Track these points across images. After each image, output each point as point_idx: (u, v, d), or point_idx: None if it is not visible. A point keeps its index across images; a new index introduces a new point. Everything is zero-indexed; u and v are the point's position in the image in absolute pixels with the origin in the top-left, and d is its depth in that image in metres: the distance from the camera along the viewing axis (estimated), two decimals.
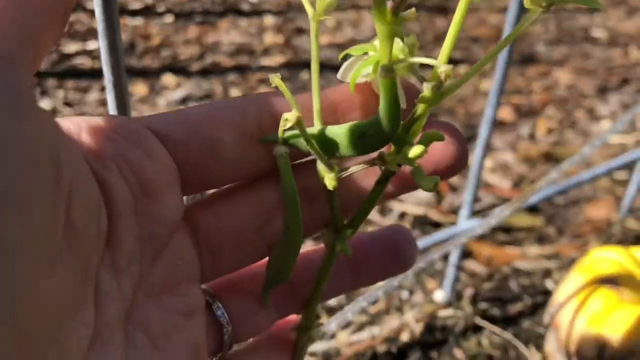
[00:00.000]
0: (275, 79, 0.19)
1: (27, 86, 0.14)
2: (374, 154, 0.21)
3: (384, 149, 0.21)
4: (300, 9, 1.57)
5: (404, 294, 0.70)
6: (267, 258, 0.24)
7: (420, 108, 0.20)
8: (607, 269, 0.50)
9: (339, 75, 0.22)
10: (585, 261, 0.53)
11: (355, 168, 0.22)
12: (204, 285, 0.23)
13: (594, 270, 0.51)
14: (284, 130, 0.21)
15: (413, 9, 0.18)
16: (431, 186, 0.20)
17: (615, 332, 0.46)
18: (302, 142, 0.21)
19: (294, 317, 0.27)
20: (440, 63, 0.18)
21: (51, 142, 0.15)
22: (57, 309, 0.15)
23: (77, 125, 0.18)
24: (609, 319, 0.47)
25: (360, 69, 0.21)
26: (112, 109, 0.32)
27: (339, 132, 0.21)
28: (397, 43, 0.19)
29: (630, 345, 0.46)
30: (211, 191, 0.23)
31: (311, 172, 0.22)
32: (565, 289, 0.51)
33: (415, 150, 0.20)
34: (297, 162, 0.23)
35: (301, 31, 1.48)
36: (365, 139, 0.20)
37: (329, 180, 0.21)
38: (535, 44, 1.57)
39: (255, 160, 0.22)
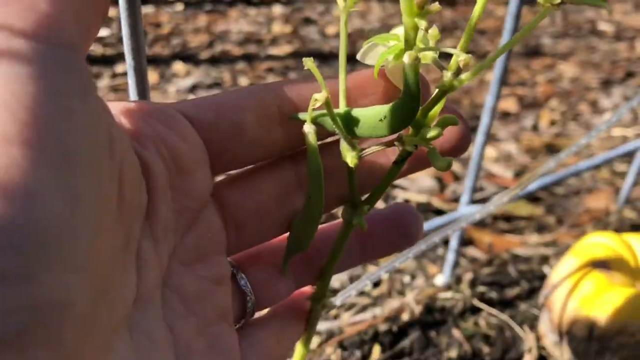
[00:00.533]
0: (309, 62, 0.21)
1: (88, 72, 0.16)
2: (394, 136, 0.23)
3: (402, 131, 0.23)
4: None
5: (406, 278, 0.73)
6: (286, 233, 0.26)
7: (438, 94, 0.22)
8: (599, 253, 0.52)
9: (358, 56, 0.24)
10: (579, 246, 0.55)
11: (376, 148, 0.24)
12: (229, 257, 0.25)
13: (587, 254, 0.53)
14: (313, 109, 0.23)
15: (437, 3, 0.20)
16: (445, 166, 0.22)
17: (605, 312, 0.49)
18: (328, 122, 0.23)
19: (308, 289, 0.29)
20: (460, 52, 0.21)
21: (106, 121, 0.17)
22: (109, 268, 0.17)
23: (116, 109, 0.21)
24: (599, 300, 0.49)
25: (385, 55, 0.22)
26: (132, 93, 0.34)
27: (363, 114, 0.23)
28: (421, 33, 0.21)
29: (619, 324, 0.48)
30: (236, 171, 0.25)
31: (334, 152, 0.24)
32: (559, 272, 0.53)
33: (432, 132, 0.21)
34: (321, 142, 0.25)
35: (309, 21, 1.50)
36: (387, 121, 0.22)
37: (351, 158, 0.23)
38: (541, 37, 1.58)
39: (275, 142, 0.24)
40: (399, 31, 0.22)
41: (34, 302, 0.13)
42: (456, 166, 1.00)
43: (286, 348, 0.28)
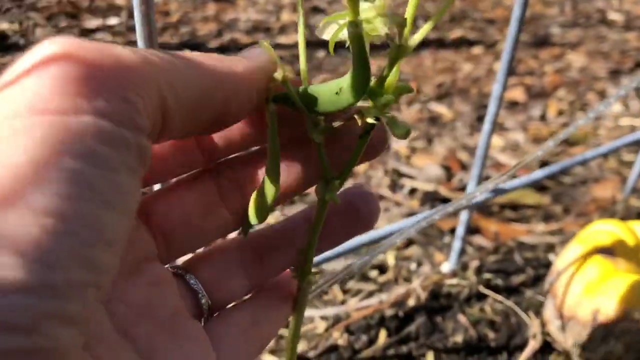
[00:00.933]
0: (264, 44, 0.22)
1: (148, 155, 0.18)
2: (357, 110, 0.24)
3: (362, 104, 0.23)
4: None
5: (412, 266, 0.74)
6: (233, 233, 0.28)
7: (389, 61, 0.22)
8: (604, 240, 0.53)
9: (316, 32, 0.25)
10: (584, 233, 0.56)
11: (338, 123, 0.24)
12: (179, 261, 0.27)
13: (592, 242, 0.53)
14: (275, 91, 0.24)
15: None
16: (404, 133, 0.22)
17: (609, 298, 0.49)
18: (290, 101, 0.23)
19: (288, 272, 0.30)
20: (396, 18, 0.21)
21: (136, 204, 0.19)
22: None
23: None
24: (604, 286, 0.50)
25: (338, 31, 0.23)
26: None
27: (320, 89, 0.23)
28: (365, 4, 0.21)
29: (623, 310, 0.49)
30: (159, 186, 0.27)
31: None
32: (565, 259, 0.54)
33: (385, 99, 0.22)
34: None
35: (317, 10, 1.50)
36: (343, 93, 0.22)
37: (315, 134, 0.24)
38: (550, 26, 1.57)
39: (195, 160, 0.26)
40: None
41: (31, 347, 0.14)
42: (463, 155, 1.01)
43: (269, 330, 0.28)
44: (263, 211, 0.26)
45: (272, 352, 0.60)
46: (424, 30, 0.22)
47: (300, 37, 0.24)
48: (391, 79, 0.23)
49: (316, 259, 0.42)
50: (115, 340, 0.21)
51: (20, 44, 1.23)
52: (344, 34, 0.23)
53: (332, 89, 0.23)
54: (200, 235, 0.26)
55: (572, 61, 1.39)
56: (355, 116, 0.24)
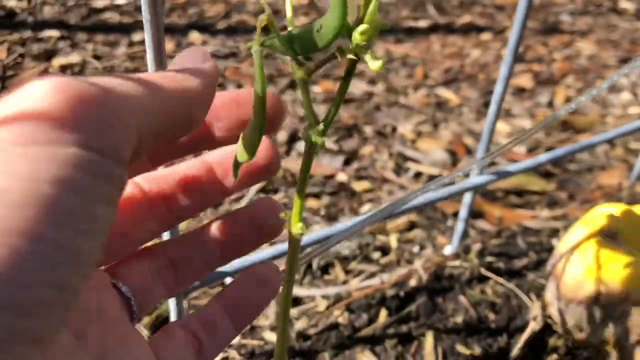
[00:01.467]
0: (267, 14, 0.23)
1: (123, 184, 0.19)
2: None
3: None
4: None
5: (415, 248, 0.74)
6: (153, 241, 0.30)
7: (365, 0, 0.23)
8: (607, 223, 0.53)
9: None
10: (587, 216, 0.56)
11: (321, 62, 0.25)
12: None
13: (595, 224, 0.53)
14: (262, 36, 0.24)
15: None
16: (379, 65, 0.23)
17: (610, 280, 0.49)
18: (276, 44, 0.24)
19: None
20: None
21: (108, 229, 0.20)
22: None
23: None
24: (605, 268, 0.50)
25: None
26: (150, 63, 0.35)
27: (302, 32, 0.24)
28: None
29: (623, 292, 0.49)
30: None
31: None
32: (567, 241, 0.54)
33: (360, 29, 0.23)
34: None
35: None
36: (321, 32, 0.23)
37: (300, 74, 0.25)
38: (560, 14, 1.55)
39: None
40: None
41: None
42: (469, 140, 1.00)
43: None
44: (252, 148, 0.27)
45: (273, 329, 0.61)
46: None
47: None
48: (368, 17, 0.23)
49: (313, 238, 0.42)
50: (70, 344, 0.22)
51: (29, 21, 1.23)
52: None
53: (314, 28, 0.24)
54: (132, 244, 0.28)
55: (582, 49, 1.37)
56: (337, 54, 0.24)
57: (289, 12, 0.25)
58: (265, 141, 0.29)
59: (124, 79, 0.20)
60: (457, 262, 0.66)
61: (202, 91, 0.23)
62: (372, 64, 0.23)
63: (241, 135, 0.27)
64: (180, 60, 0.25)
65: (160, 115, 0.21)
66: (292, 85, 1.14)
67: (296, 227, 0.29)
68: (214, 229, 0.30)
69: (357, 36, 0.23)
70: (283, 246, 0.52)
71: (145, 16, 0.33)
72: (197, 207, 0.30)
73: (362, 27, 0.23)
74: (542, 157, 0.63)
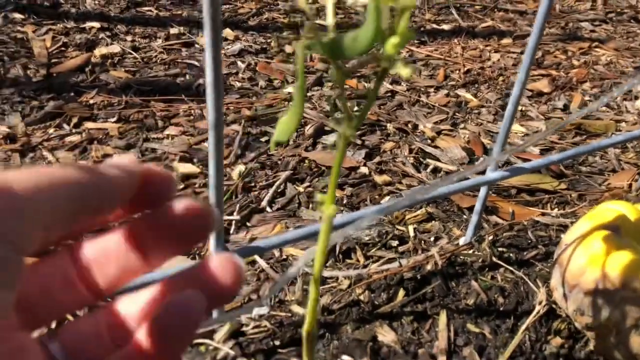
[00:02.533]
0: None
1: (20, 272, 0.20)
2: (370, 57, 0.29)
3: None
4: None
5: (431, 239, 0.79)
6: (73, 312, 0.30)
7: (399, 14, 0.27)
8: (611, 218, 0.58)
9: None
10: (593, 211, 0.60)
11: (355, 63, 0.30)
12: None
13: (600, 219, 0.58)
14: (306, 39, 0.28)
15: None
16: (409, 72, 0.27)
17: (611, 269, 0.54)
18: (317, 48, 0.28)
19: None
20: None
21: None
22: None
23: None
24: (607, 258, 0.55)
25: None
26: (208, 57, 0.41)
27: (341, 39, 0.28)
28: None
29: (623, 280, 0.54)
30: None
31: None
32: (573, 232, 0.59)
33: (392, 40, 0.28)
34: None
35: None
36: (358, 40, 0.27)
37: (338, 76, 0.29)
38: (581, 21, 1.59)
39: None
40: None
41: None
42: (486, 140, 1.05)
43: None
44: (287, 133, 0.31)
45: (299, 303, 0.66)
46: None
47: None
48: (401, 28, 0.28)
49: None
50: None
51: (72, 12, 1.30)
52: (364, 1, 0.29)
53: (350, 37, 0.28)
54: (61, 307, 0.28)
55: (600, 55, 1.41)
56: (371, 59, 0.29)
57: (329, 19, 0.31)
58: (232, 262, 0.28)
59: (32, 173, 0.21)
60: (470, 251, 0.71)
61: (114, 184, 0.24)
62: (403, 71, 0.28)
63: (281, 119, 0.32)
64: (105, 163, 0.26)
65: (69, 209, 0.22)
66: (319, 83, 1.20)
67: (329, 209, 0.35)
68: (152, 297, 0.29)
69: (389, 47, 0.28)
70: (311, 227, 0.57)
71: (206, 16, 0.39)
72: (123, 279, 0.29)
73: (395, 39, 0.28)
74: (554, 156, 0.68)
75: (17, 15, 1.25)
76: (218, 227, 0.53)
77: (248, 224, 0.83)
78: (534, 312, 0.61)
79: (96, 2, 1.36)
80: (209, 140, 0.46)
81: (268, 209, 0.86)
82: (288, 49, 1.30)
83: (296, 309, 0.65)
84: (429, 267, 0.68)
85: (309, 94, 1.17)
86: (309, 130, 1.05)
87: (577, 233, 0.58)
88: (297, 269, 0.42)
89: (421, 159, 0.98)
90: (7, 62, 1.11)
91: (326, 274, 0.72)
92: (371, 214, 0.46)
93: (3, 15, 1.23)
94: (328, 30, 0.30)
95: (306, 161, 0.97)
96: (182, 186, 0.88)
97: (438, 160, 0.98)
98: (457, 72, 1.29)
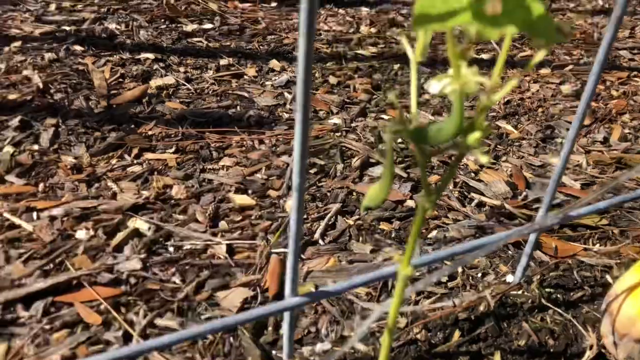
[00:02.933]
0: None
1: None
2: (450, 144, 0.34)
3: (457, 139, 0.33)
4: (395, 1, 1.68)
5: (479, 274, 0.83)
6: None
7: (479, 110, 0.32)
8: None
9: (428, 88, 0.35)
10: None
11: (436, 150, 0.35)
12: None
13: None
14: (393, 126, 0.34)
15: (472, 51, 0.30)
16: (487, 159, 0.32)
17: None
18: (404, 134, 0.34)
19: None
20: (489, 82, 0.31)
21: None
22: None
23: None
24: None
25: (444, 89, 0.34)
26: (299, 91, 0.44)
27: (427, 128, 0.33)
28: (464, 69, 0.31)
29: None
30: None
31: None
32: (623, 283, 0.62)
33: (474, 135, 0.32)
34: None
35: (394, 23, 1.58)
36: (443, 131, 0.32)
37: (421, 158, 0.34)
38: (619, 49, 1.61)
39: None
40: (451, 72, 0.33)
41: None
42: (528, 172, 1.08)
43: None
44: (377, 201, 0.37)
45: (361, 340, 0.71)
46: (505, 89, 0.31)
47: (412, 90, 0.35)
48: (479, 121, 0.33)
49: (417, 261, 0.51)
50: None
51: (127, 43, 1.37)
52: (447, 89, 0.33)
53: (436, 128, 0.33)
54: None
55: (639, 86, 1.43)
56: (452, 147, 0.33)
57: (413, 108, 0.35)
58: None
59: None
60: (520, 292, 0.75)
61: None
62: (482, 159, 0.33)
63: (371, 187, 0.37)
64: None
65: None
66: (363, 114, 1.24)
67: (406, 270, 0.39)
68: None
69: (472, 140, 0.33)
70: (377, 272, 0.62)
71: (300, 53, 0.42)
72: None
73: (477, 134, 0.33)
74: (601, 203, 0.71)
75: (78, 48, 1.32)
76: (293, 274, 0.57)
77: (303, 256, 0.88)
78: (585, 357, 0.64)
79: (149, 33, 1.42)
80: (292, 200, 0.50)
81: (321, 241, 0.90)
82: (332, 79, 1.34)
83: (359, 346, 0.69)
84: (481, 307, 0.72)
85: (352, 125, 1.22)
86: (355, 162, 1.09)
87: (626, 283, 0.62)
88: (372, 320, 0.47)
89: (465, 193, 1.02)
90: (70, 94, 1.18)
91: (380, 308, 0.76)
92: (447, 270, 0.51)
93: (65, 47, 1.31)
94: (412, 118, 0.36)
95: (354, 194, 1.01)
96: (239, 218, 0.93)
97: (482, 194, 1.02)
98: (498, 102, 1.32)
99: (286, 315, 0.60)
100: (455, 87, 0.31)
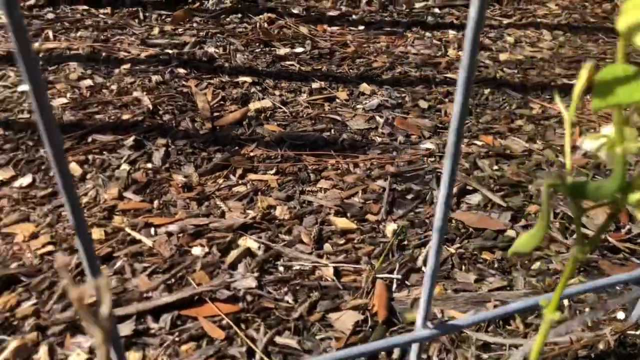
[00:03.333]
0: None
1: None
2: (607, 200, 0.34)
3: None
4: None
5: (586, 309, 0.82)
6: None
7: (636, 176, 0.33)
8: None
9: (578, 143, 0.36)
10: None
11: (593, 205, 0.36)
12: None
13: None
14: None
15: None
16: None
17: None
18: (563, 189, 0.35)
19: None
20: None
21: None
22: None
23: None
24: None
25: (601, 147, 0.34)
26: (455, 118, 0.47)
27: (585, 184, 0.34)
28: (627, 131, 0.32)
29: None
30: None
31: None
32: None
33: (635, 196, 0.33)
34: None
35: (482, 47, 1.59)
36: (601, 190, 0.33)
37: (576, 212, 0.35)
38: None
39: None
40: (606, 131, 0.34)
41: None
42: (632, 208, 1.06)
43: None
44: (528, 247, 0.38)
45: None
46: None
47: (566, 147, 0.36)
48: (639, 182, 0.33)
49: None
50: None
51: (225, 66, 1.44)
52: (602, 150, 0.35)
53: (595, 186, 0.34)
54: None
55: None
56: (610, 204, 0.34)
57: (568, 164, 0.37)
58: None
59: None
60: (638, 332, 0.74)
61: None
62: (638, 215, 0.34)
63: (523, 234, 0.38)
64: None
65: None
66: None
67: (553, 314, 0.41)
68: None
69: (633, 200, 0.34)
70: (508, 307, 0.63)
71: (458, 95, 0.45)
72: None
73: (638, 195, 0.34)
74: None
75: (181, 70, 1.40)
76: (426, 305, 0.59)
77: (407, 282, 0.90)
78: None
79: (245, 56, 1.49)
80: (432, 241, 0.52)
81: (424, 268, 0.92)
82: (422, 103, 1.36)
83: None
84: (601, 346, 0.72)
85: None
86: (454, 190, 1.10)
87: None
88: (520, 356, 0.48)
89: (567, 224, 1.01)
90: (177, 115, 1.25)
91: (490, 339, 0.77)
92: (588, 316, 0.51)
93: (169, 70, 1.38)
94: (567, 171, 0.37)
95: (453, 221, 1.02)
96: (342, 241, 0.96)
97: (584, 226, 1.01)
98: (592, 130, 1.30)
99: (414, 347, 0.62)
100: (619, 150, 0.33)
